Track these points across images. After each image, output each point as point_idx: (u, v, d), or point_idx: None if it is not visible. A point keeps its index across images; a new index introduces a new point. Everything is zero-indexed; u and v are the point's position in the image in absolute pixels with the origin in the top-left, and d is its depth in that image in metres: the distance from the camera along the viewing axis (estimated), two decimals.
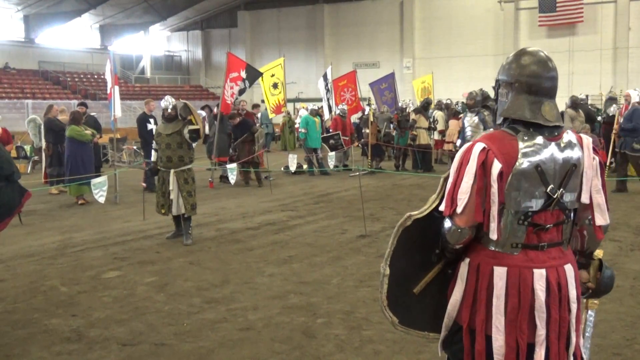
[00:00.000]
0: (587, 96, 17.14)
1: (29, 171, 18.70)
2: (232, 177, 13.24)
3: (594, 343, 4.73)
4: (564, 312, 2.72)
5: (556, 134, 2.72)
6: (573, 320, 2.75)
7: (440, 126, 18.76)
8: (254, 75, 15.86)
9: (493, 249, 2.72)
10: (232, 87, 15.16)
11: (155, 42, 48.25)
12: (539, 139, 2.68)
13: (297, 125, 21.21)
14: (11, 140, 11.77)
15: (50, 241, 8.81)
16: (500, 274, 2.69)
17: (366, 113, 18.67)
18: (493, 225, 2.67)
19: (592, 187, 2.76)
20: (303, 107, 25.07)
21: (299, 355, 4.62)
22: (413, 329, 3.02)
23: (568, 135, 2.75)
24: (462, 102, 20.88)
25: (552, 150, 2.68)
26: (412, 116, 17.51)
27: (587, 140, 2.78)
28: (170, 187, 8.40)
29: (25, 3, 36.76)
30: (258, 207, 11.54)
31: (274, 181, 14.87)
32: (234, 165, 13.23)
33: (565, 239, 2.79)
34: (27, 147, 19.33)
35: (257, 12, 44.36)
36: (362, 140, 18.62)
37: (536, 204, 2.67)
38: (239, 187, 14.19)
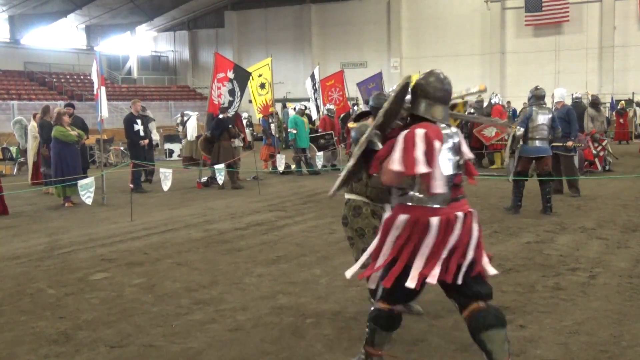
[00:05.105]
0: (575, 95, 17.09)
1: (15, 173, 18.57)
2: (220, 178, 13.23)
3: (581, 340, 4.76)
4: (468, 238, 3.80)
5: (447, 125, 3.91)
6: (473, 242, 3.79)
7: None
8: (243, 76, 15.81)
9: (431, 205, 3.74)
10: (219, 88, 15.12)
11: (142, 43, 48.07)
12: (450, 128, 3.89)
13: (284, 125, 21.19)
14: None
15: (37, 243, 8.75)
16: (434, 222, 3.71)
17: (352, 113, 18.63)
18: (439, 183, 3.62)
19: (467, 152, 3.95)
20: (291, 107, 25.01)
21: (288, 356, 4.61)
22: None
23: (449, 126, 3.91)
24: None
25: (452, 133, 3.87)
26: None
27: (456, 128, 4.00)
28: None
29: (10, 3, 36.51)
30: (246, 207, 11.53)
31: (262, 181, 14.86)
32: (221, 166, 13.20)
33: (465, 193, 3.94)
34: (13, 149, 19.20)
35: (244, 12, 44.30)
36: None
37: (453, 169, 3.81)
38: (227, 188, 14.16)
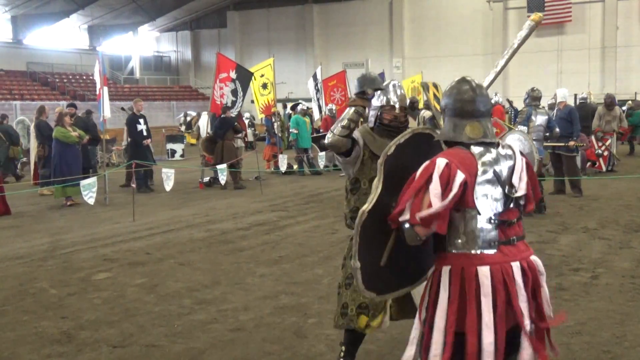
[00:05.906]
0: (581, 96, 17.02)
1: (18, 173, 18.55)
2: (223, 178, 13.23)
3: (583, 341, 4.76)
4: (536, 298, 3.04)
5: (495, 143, 3.09)
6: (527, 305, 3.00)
7: None
8: (245, 77, 15.82)
9: (475, 251, 2.96)
10: (221, 88, 15.12)
11: (144, 43, 48.11)
12: (490, 150, 3.05)
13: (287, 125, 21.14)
14: None
15: (39, 243, 8.76)
16: (484, 273, 2.92)
17: None
18: (461, 229, 2.96)
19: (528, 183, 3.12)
20: (290, 107, 24.96)
21: (290, 356, 4.62)
22: (388, 294, 3.46)
23: (503, 146, 3.13)
24: None
25: (498, 158, 3.04)
26: None
27: (515, 146, 3.18)
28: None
29: (13, 4, 36.54)
30: (248, 207, 11.53)
31: (265, 182, 14.86)
32: (223, 166, 13.19)
33: (524, 233, 3.13)
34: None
35: (247, 12, 44.32)
36: None
37: (499, 205, 2.99)
38: (230, 188, 14.16)
